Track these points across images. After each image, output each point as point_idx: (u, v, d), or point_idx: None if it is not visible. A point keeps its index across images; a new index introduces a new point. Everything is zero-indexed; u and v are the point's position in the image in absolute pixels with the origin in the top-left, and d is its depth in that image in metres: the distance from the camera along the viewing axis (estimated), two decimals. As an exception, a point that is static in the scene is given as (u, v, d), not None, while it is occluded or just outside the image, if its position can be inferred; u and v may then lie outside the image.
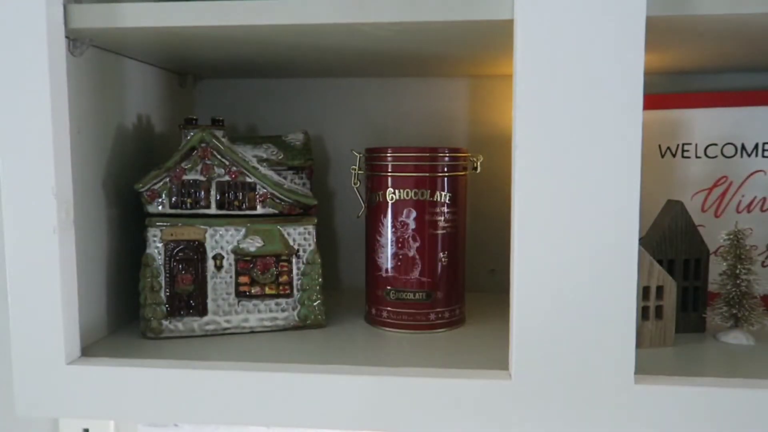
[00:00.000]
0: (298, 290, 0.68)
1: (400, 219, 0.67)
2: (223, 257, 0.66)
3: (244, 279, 0.67)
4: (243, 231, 0.66)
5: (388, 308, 0.68)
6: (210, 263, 0.66)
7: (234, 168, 0.66)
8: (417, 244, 0.67)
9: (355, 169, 0.70)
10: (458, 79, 0.84)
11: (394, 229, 0.67)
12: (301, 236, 0.68)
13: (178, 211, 0.66)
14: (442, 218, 0.67)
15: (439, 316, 0.68)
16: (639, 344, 0.58)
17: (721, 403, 0.50)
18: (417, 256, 0.67)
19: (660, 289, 0.62)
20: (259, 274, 0.67)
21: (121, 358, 0.58)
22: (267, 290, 0.67)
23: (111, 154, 0.66)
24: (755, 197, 0.74)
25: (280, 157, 0.71)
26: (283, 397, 0.54)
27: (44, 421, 0.82)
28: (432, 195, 0.67)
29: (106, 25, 0.55)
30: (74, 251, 0.57)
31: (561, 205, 0.50)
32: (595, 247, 0.50)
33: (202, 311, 0.66)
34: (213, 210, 0.66)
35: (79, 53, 0.59)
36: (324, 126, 0.86)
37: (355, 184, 0.71)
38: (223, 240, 0.66)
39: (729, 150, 0.75)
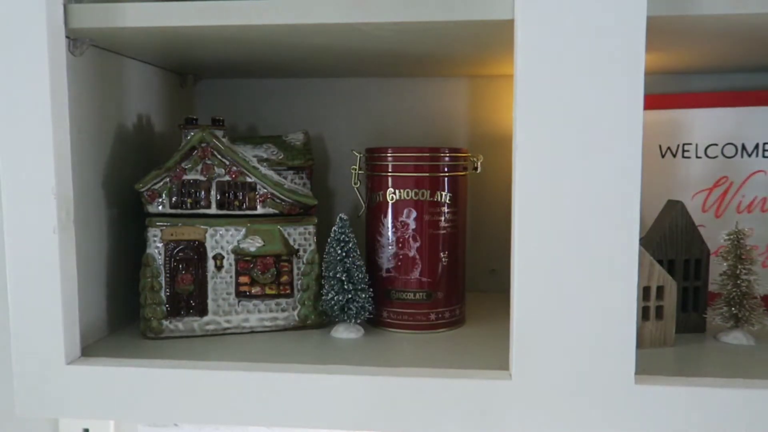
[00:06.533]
0: (298, 290, 0.68)
1: (401, 219, 0.67)
2: (223, 257, 0.66)
3: (244, 279, 0.67)
4: (243, 231, 0.66)
5: (389, 308, 0.68)
6: (210, 263, 0.66)
7: (234, 168, 0.66)
8: (417, 244, 0.67)
9: (355, 169, 0.70)
10: (458, 79, 0.84)
11: (394, 229, 0.67)
12: (302, 236, 0.68)
13: (179, 211, 0.66)
14: (443, 218, 0.67)
15: (440, 316, 0.68)
16: (639, 344, 0.58)
17: (721, 403, 0.50)
18: (417, 256, 0.67)
19: (660, 290, 0.62)
20: (259, 274, 0.67)
21: (121, 358, 0.58)
22: (267, 290, 0.67)
23: (111, 154, 0.66)
24: (756, 197, 0.74)
25: (280, 157, 0.71)
26: (283, 397, 0.54)
27: (44, 421, 0.82)
28: (432, 195, 0.66)
29: (106, 25, 0.55)
30: (74, 251, 0.57)
31: (561, 205, 0.50)
32: (595, 247, 0.50)
33: (203, 311, 0.66)
34: (213, 210, 0.66)
35: (79, 53, 0.59)
36: (324, 126, 0.86)
37: (355, 184, 0.71)
38: (224, 240, 0.66)
39: (729, 150, 0.75)
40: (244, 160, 0.66)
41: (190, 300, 0.66)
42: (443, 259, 0.68)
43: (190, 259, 0.65)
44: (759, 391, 0.50)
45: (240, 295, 0.67)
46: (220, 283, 0.66)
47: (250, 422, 0.55)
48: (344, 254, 0.65)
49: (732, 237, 0.63)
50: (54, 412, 0.57)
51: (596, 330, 0.50)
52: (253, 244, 0.66)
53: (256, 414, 0.55)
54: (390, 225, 0.67)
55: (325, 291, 0.66)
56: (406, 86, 0.85)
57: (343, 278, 0.65)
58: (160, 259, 0.65)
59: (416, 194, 0.67)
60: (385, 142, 0.85)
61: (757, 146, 0.74)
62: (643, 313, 0.62)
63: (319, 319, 0.68)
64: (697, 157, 0.75)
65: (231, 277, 0.66)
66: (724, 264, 0.63)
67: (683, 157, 0.76)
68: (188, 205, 0.66)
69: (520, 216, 0.50)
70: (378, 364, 0.56)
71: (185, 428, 0.86)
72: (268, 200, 0.67)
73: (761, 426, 0.50)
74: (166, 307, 0.65)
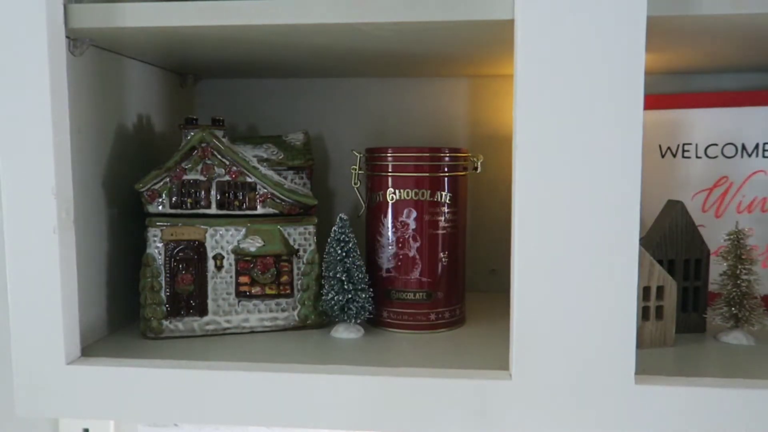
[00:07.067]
0: (298, 290, 0.68)
1: (401, 219, 0.67)
2: (223, 257, 0.66)
3: (244, 279, 0.67)
4: (243, 231, 0.66)
5: (389, 308, 0.68)
6: (210, 263, 0.66)
7: (234, 168, 0.66)
8: (417, 244, 0.67)
9: (355, 169, 0.70)
10: (458, 79, 0.84)
11: (394, 229, 0.67)
12: (302, 236, 0.68)
13: (179, 211, 0.66)
14: (443, 218, 0.67)
15: (440, 316, 0.68)
16: (639, 344, 0.58)
17: (721, 403, 0.50)
18: (417, 256, 0.67)
19: (660, 290, 0.62)
20: (259, 274, 0.67)
21: (121, 358, 0.58)
22: (267, 290, 0.67)
23: (111, 154, 0.66)
24: (756, 197, 0.74)
25: (280, 157, 0.71)
26: (283, 397, 0.54)
27: (44, 421, 0.82)
28: (432, 195, 0.66)
29: (106, 25, 0.55)
30: (74, 251, 0.57)
31: (561, 205, 0.50)
32: (595, 247, 0.50)
33: (203, 311, 0.66)
34: (213, 210, 0.66)
35: (79, 53, 0.59)
36: (324, 126, 0.86)
37: (355, 184, 0.71)
38: (224, 240, 0.66)
39: (729, 150, 0.75)
40: (244, 160, 0.66)
41: (190, 300, 0.66)
42: (443, 259, 0.68)
43: (190, 259, 0.65)
44: (759, 391, 0.50)
45: (240, 295, 0.67)
46: (220, 283, 0.66)
47: (250, 422, 0.55)
48: (344, 254, 0.65)
49: (732, 237, 0.63)
50: (54, 412, 0.57)
51: (596, 330, 0.50)
52: (253, 244, 0.66)
53: (256, 414, 0.55)
54: (390, 225, 0.67)
55: (325, 291, 0.66)
56: (406, 86, 0.85)
57: (343, 278, 0.65)
58: (160, 259, 0.65)
59: (416, 194, 0.66)
60: (385, 142, 0.85)
61: (757, 146, 0.74)
62: (643, 313, 0.62)
63: (319, 319, 0.68)
64: (697, 157, 0.75)
65: (231, 277, 0.66)
66: (724, 264, 0.63)
67: (683, 157, 0.76)
68: (188, 205, 0.66)
69: (520, 216, 0.50)
70: (378, 364, 0.56)
71: (185, 428, 0.86)
72: (268, 200, 0.67)
73: (761, 426, 0.50)
74: (166, 307, 0.65)
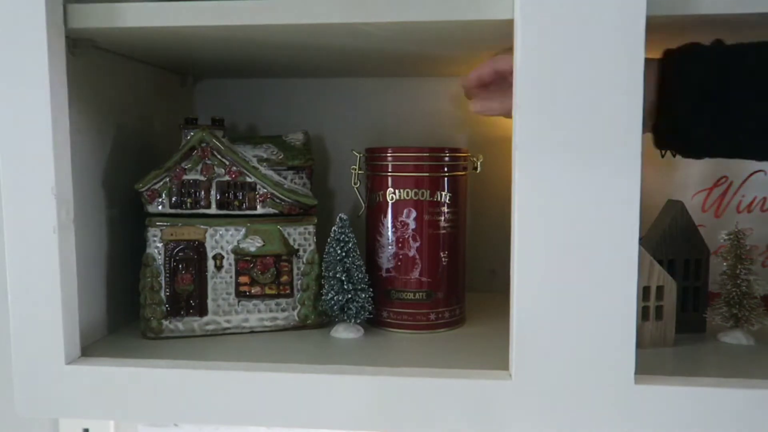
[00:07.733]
0: (298, 290, 0.68)
1: (400, 219, 0.67)
2: (223, 257, 0.66)
3: (244, 279, 0.67)
4: (243, 231, 0.66)
5: (389, 308, 0.68)
6: (210, 263, 0.66)
7: (234, 168, 0.66)
8: (417, 244, 0.67)
9: (355, 169, 0.70)
10: (458, 79, 0.84)
11: (394, 229, 0.67)
12: (301, 236, 0.68)
13: (178, 211, 0.66)
14: (443, 218, 0.67)
15: (440, 316, 0.68)
16: (639, 344, 0.58)
17: (721, 403, 0.50)
18: (417, 256, 0.67)
19: (660, 289, 0.62)
20: (259, 274, 0.67)
21: (121, 358, 0.58)
22: (267, 290, 0.67)
23: (111, 154, 0.66)
24: (755, 197, 0.74)
25: (280, 157, 0.71)
26: (283, 397, 0.54)
27: (44, 421, 0.82)
28: (432, 195, 0.66)
29: (106, 25, 0.55)
30: (74, 251, 0.57)
31: (561, 205, 0.50)
32: (596, 247, 0.50)
33: (202, 311, 0.66)
34: (213, 210, 0.66)
35: (79, 53, 0.59)
36: (324, 126, 0.86)
37: (355, 184, 0.71)
38: (223, 240, 0.66)
39: (729, 150, 0.75)
40: (244, 160, 0.66)
41: (190, 300, 0.66)
42: (443, 259, 0.68)
43: (190, 259, 0.65)
44: (759, 391, 0.50)
45: (240, 295, 0.67)
46: (220, 283, 0.66)
47: (250, 422, 0.55)
48: (344, 254, 0.65)
49: (732, 237, 0.63)
50: (54, 412, 0.57)
51: (596, 330, 0.50)
52: (253, 244, 0.66)
53: (256, 414, 0.55)
54: (390, 225, 0.67)
55: (325, 291, 0.66)
56: (406, 86, 0.85)
57: (343, 278, 0.65)
58: (160, 259, 0.65)
59: (416, 194, 0.66)
60: (385, 142, 0.85)
61: (757, 146, 0.74)
62: (643, 313, 0.62)
63: (319, 319, 0.68)
64: (697, 157, 0.75)
65: (231, 277, 0.66)
66: (724, 264, 0.63)
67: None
68: (188, 205, 0.66)
69: (520, 216, 0.50)
70: (378, 364, 0.56)
71: (185, 428, 0.86)
72: (268, 200, 0.67)
73: (761, 426, 0.50)
74: (166, 307, 0.65)
